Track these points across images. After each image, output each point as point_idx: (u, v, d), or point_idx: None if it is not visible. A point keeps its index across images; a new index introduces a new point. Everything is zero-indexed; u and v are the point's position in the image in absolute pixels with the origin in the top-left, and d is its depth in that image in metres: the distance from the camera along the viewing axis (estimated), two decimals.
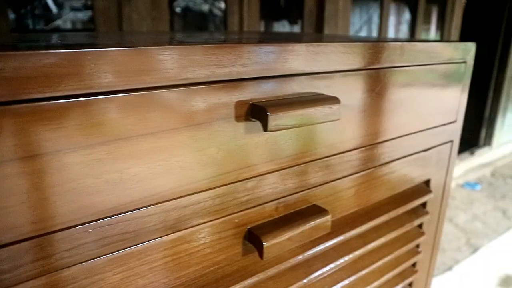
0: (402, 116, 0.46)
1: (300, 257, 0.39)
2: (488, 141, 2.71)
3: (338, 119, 0.34)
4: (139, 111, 0.26)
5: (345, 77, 0.37)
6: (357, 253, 0.45)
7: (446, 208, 0.60)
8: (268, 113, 0.29)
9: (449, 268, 1.62)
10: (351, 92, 0.39)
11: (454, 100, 0.54)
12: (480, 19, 2.60)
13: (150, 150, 0.27)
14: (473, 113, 2.67)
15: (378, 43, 0.40)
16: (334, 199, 0.42)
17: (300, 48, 0.33)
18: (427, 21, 2.72)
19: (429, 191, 0.55)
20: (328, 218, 0.37)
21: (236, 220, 0.33)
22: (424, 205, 0.56)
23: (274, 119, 0.29)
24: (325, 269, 0.42)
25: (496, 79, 2.58)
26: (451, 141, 0.56)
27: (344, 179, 0.42)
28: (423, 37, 2.40)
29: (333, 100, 0.34)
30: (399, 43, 0.42)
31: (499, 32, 2.52)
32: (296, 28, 1.92)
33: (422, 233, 0.55)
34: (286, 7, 2.03)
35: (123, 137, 0.26)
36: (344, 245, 0.44)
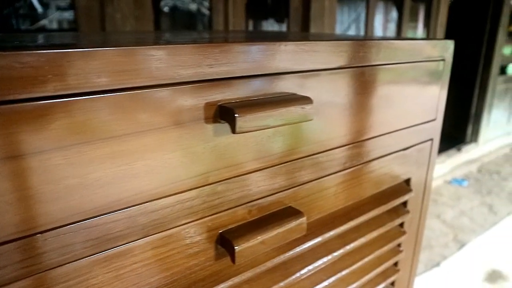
0: (381, 115, 0.46)
1: (276, 259, 0.38)
2: (474, 137, 2.74)
3: (311, 120, 0.33)
4: (99, 115, 0.25)
5: (318, 76, 0.37)
6: (336, 254, 0.44)
7: (427, 206, 0.60)
8: (236, 115, 0.28)
9: (437, 264, 1.64)
10: (327, 91, 0.38)
11: (434, 98, 0.54)
12: (466, 18, 2.63)
13: (113, 154, 0.26)
14: (460, 110, 2.71)
15: (352, 41, 0.39)
16: (311, 200, 0.41)
17: (271, 47, 0.32)
18: (414, 19, 2.74)
19: (410, 190, 0.54)
20: (303, 220, 0.36)
21: (208, 224, 0.32)
22: (405, 204, 0.55)
23: (243, 121, 0.28)
24: (303, 271, 0.41)
25: (482, 76, 2.61)
26: (431, 139, 0.56)
27: (321, 179, 0.41)
28: (410, 35, 2.42)
29: (306, 100, 0.33)
30: (375, 41, 0.41)
31: (484, 30, 2.55)
32: (284, 27, 1.92)
33: (403, 232, 0.55)
34: (272, 5, 2.02)
35: (82, 142, 0.25)
36: (323, 246, 0.44)
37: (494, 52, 2.54)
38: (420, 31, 2.74)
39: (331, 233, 0.43)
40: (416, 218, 0.58)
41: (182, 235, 0.31)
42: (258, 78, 0.32)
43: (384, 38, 0.45)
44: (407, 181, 0.55)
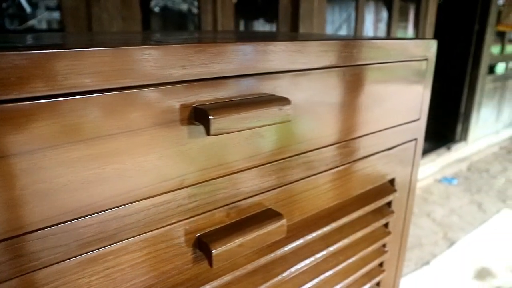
0: (364, 114, 0.45)
1: (256, 262, 0.38)
2: (464, 136, 2.77)
3: (288, 121, 0.33)
4: (68, 118, 0.24)
5: (296, 77, 0.36)
6: (319, 255, 0.44)
7: (412, 206, 0.60)
8: (210, 116, 0.28)
9: (427, 263, 1.65)
10: (309, 91, 0.38)
11: (417, 98, 0.54)
12: (455, 17, 2.65)
13: (82, 158, 0.25)
14: (449, 109, 2.73)
15: (335, 41, 0.39)
16: (294, 201, 0.41)
17: (247, 48, 0.32)
18: (404, 19, 2.76)
19: (394, 190, 0.54)
20: (283, 222, 0.36)
21: (185, 228, 0.32)
22: (389, 204, 0.55)
23: (217, 122, 0.28)
24: (285, 274, 0.41)
25: (471, 75, 2.64)
26: (415, 139, 0.56)
27: (304, 180, 0.41)
28: (400, 34, 2.43)
29: (284, 101, 0.33)
30: (357, 41, 0.41)
31: (473, 30, 2.57)
32: (274, 27, 1.92)
33: (388, 233, 0.55)
34: (262, 5, 2.02)
35: (51, 145, 0.24)
36: (306, 248, 0.43)
37: (482, 52, 2.57)
38: (410, 30, 2.75)
39: (314, 234, 0.43)
40: (401, 218, 0.58)
41: (158, 239, 0.31)
42: (234, 79, 0.32)
43: (366, 38, 0.45)
44: (392, 181, 0.55)
